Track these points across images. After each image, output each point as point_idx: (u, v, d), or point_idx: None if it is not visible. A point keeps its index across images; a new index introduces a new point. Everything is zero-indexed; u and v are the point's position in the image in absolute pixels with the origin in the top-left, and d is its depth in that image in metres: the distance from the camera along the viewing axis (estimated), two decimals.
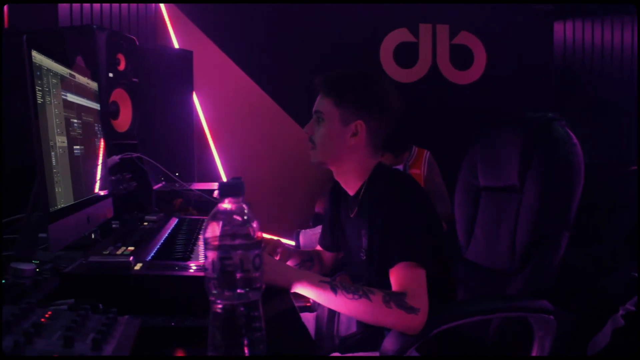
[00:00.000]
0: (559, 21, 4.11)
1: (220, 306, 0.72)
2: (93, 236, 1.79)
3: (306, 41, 3.83)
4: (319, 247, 1.89)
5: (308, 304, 2.15)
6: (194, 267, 1.20)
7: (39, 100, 1.34)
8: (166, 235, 1.68)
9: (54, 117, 1.44)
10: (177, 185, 2.60)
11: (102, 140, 1.97)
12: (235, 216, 0.75)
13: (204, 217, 2.09)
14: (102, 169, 1.94)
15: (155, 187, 2.53)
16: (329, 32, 3.85)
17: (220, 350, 0.72)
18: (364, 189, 1.55)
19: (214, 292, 0.73)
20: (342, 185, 1.62)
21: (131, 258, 1.21)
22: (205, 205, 2.39)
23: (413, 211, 1.43)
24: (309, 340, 1.10)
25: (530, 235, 1.69)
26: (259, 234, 0.75)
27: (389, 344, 1.37)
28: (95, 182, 1.82)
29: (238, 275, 0.72)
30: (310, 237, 2.69)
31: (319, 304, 1.87)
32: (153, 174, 2.58)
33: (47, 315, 0.88)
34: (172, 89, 3.12)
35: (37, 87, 1.33)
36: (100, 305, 1.03)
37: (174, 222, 1.94)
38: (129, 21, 3.41)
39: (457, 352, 1.56)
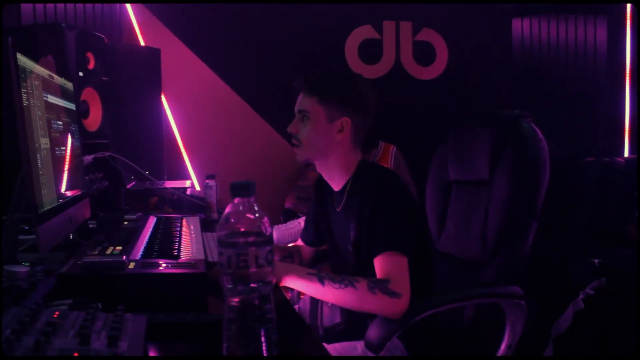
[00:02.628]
0: (517, 18, 4.25)
1: (237, 300, 0.77)
2: (71, 237, 1.80)
3: (273, 39, 3.86)
4: (299, 242, 1.94)
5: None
6: (191, 264, 1.23)
7: (24, 103, 1.35)
8: (149, 234, 1.70)
9: (37, 119, 1.45)
10: (149, 183, 2.60)
11: (78, 140, 1.97)
12: (247, 214, 0.79)
13: (181, 215, 2.12)
14: (78, 169, 1.94)
15: (129, 186, 2.53)
16: (295, 30, 3.88)
17: (236, 341, 0.76)
18: (350, 183, 1.61)
19: (229, 286, 0.78)
20: (327, 180, 1.68)
21: (124, 257, 1.24)
22: (181, 203, 2.41)
23: (398, 204, 1.50)
24: (306, 327, 1.16)
25: (500, 226, 1.78)
26: (269, 230, 0.80)
27: (372, 333, 1.44)
28: (74, 182, 1.83)
29: (252, 270, 0.77)
30: (284, 232, 2.74)
31: (299, 298, 1.93)
32: (124, 173, 2.58)
33: (55, 316, 0.91)
34: (140, 88, 3.10)
35: (22, 90, 1.34)
36: (99, 304, 1.07)
37: (153, 220, 1.96)
38: (94, 19, 3.37)
39: (436, 338, 1.63)
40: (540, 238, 1.89)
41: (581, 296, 2.70)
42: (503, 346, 1.65)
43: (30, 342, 0.77)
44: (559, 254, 3.00)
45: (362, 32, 4.04)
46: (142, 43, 3.56)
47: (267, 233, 0.79)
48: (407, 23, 4.10)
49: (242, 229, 0.78)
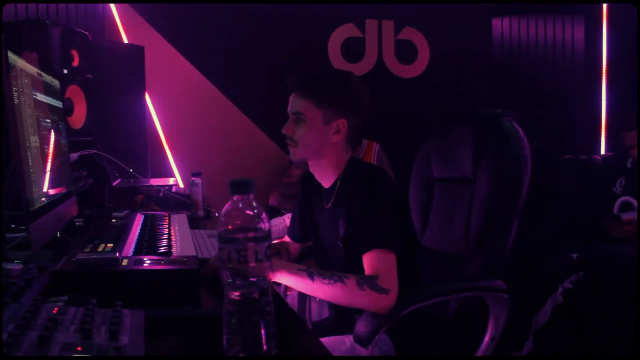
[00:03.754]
0: (497, 18, 4.31)
1: (237, 294, 0.79)
2: (58, 234, 1.80)
3: (256, 37, 3.88)
4: (286, 239, 1.97)
5: None
6: (183, 261, 1.25)
7: (15, 101, 1.36)
8: (138, 231, 1.72)
9: (27, 117, 1.45)
10: (134, 181, 2.61)
11: (65, 138, 1.98)
12: (247, 211, 0.82)
13: (168, 213, 2.13)
14: (65, 166, 1.95)
15: (114, 183, 2.54)
16: (278, 28, 3.90)
17: (237, 334, 0.79)
18: (339, 181, 1.63)
19: (229, 281, 0.80)
20: (317, 178, 1.70)
21: (117, 254, 1.25)
22: (167, 200, 2.42)
23: (387, 201, 1.54)
24: (299, 320, 1.19)
25: (483, 222, 1.83)
26: (268, 225, 0.83)
27: (361, 327, 1.47)
28: (62, 180, 1.83)
29: (252, 265, 0.79)
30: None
31: (286, 294, 1.96)
32: (109, 170, 2.58)
33: (54, 311, 0.93)
34: (124, 85, 3.11)
35: (13, 88, 1.35)
36: (94, 300, 1.08)
37: (140, 218, 1.97)
38: (77, 16, 3.35)
39: (422, 331, 1.67)
40: (520, 233, 1.94)
41: (560, 290, 2.77)
42: (486, 338, 1.69)
43: (34, 337, 0.79)
44: (539, 249, 3.07)
45: (345, 31, 4.07)
46: (126, 41, 3.55)
47: (266, 229, 0.82)
48: (390, 22, 4.15)
49: (241, 225, 0.81)
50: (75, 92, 2.55)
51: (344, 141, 1.62)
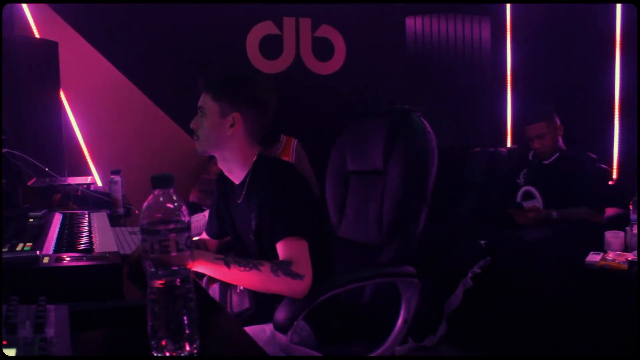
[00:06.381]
0: (410, 17, 4.49)
1: (161, 282, 0.85)
2: None
3: (175, 34, 3.85)
4: (204, 235, 2.02)
5: None
6: (105, 256, 1.28)
7: None
8: (57, 229, 1.72)
9: None
10: (50, 180, 2.56)
11: None
12: (167, 204, 0.87)
13: (87, 211, 2.12)
14: None
15: (30, 183, 2.48)
16: (197, 25, 3.90)
17: (161, 319, 0.85)
18: (249, 176, 1.71)
19: (152, 270, 0.86)
20: (227, 174, 1.77)
21: (38, 252, 1.27)
22: (85, 199, 2.40)
23: (296, 192, 1.63)
24: (219, 307, 1.25)
25: (394, 212, 1.95)
26: (187, 218, 0.89)
27: (280, 314, 1.55)
28: None
29: (173, 254, 0.85)
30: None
31: (208, 286, 2.01)
32: (23, 169, 2.52)
33: None
34: (37, 82, 3.03)
35: None
36: (16, 297, 1.10)
37: (59, 217, 1.96)
38: None
39: (339, 317, 1.76)
40: (433, 222, 2.08)
41: (470, 274, 2.95)
42: (399, 321, 1.80)
43: None
44: (450, 237, 3.26)
45: (263, 28, 4.12)
46: (38, 36, 3.45)
47: (186, 221, 0.88)
48: (307, 19, 4.23)
49: (162, 218, 0.86)
50: None
51: (244, 136, 1.70)
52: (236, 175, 1.75)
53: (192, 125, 1.73)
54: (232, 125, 1.67)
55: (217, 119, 1.67)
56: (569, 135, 3.37)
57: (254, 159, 1.72)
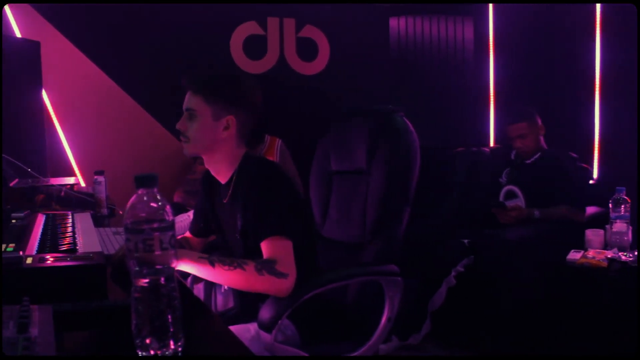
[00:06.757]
0: (394, 17, 4.52)
1: (145, 281, 0.85)
2: None
3: (159, 34, 3.84)
4: (187, 234, 2.02)
5: None
6: (89, 257, 1.28)
7: None
8: (41, 230, 1.71)
9: None
10: (33, 180, 2.55)
11: None
12: (151, 203, 0.88)
13: (70, 212, 2.11)
14: None
15: (12, 184, 2.47)
16: (181, 25, 3.89)
17: (144, 318, 0.85)
18: (235, 176, 1.71)
19: (136, 269, 0.86)
20: (214, 174, 1.77)
21: (21, 252, 1.26)
22: (69, 200, 2.39)
23: (281, 192, 1.63)
24: (203, 305, 1.25)
25: (377, 211, 1.97)
26: (171, 217, 0.89)
27: (264, 313, 1.56)
28: None
29: (157, 253, 0.86)
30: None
31: (192, 286, 2.01)
32: (5, 170, 2.51)
33: None
34: (19, 82, 3.00)
35: None
36: None
37: (42, 218, 1.95)
38: None
39: (323, 316, 1.78)
40: (416, 221, 2.10)
41: (453, 273, 2.98)
42: (383, 319, 1.82)
43: None
44: (434, 236, 3.28)
45: (247, 29, 4.13)
46: (19, 35, 3.42)
47: (170, 219, 0.88)
48: (291, 20, 4.24)
49: (146, 217, 0.87)
50: None
51: (236, 137, 1.70)
52: (223, 175, 1.75)
53: (179, 127, 1.70)
54: (226, 128, 1.67)
55: (210, 122, 1.66)
56: (549, 125, 3.39)
57: (240, 159, 1.73)
